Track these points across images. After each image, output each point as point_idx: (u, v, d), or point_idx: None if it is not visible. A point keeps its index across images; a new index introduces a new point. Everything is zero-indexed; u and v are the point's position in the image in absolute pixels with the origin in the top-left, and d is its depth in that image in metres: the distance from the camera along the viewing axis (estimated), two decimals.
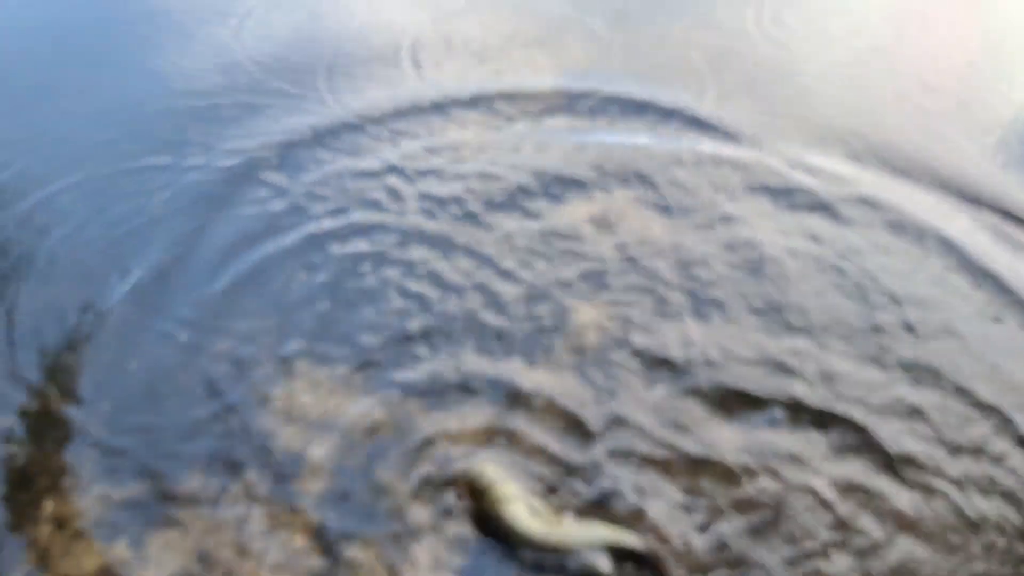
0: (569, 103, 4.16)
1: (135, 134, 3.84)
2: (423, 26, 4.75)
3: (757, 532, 2.39)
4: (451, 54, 4.52)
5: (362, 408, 2.66)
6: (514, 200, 3.52)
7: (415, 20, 4.82)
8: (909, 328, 3.03)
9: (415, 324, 2.94)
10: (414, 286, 3.10)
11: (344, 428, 2.60)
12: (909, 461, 2.58)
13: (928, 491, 2.51)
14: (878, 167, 3.80)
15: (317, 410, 2.65)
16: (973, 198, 3.63)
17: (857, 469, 2.56)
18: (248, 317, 2.96)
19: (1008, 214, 3.55)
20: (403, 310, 2.99)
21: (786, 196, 3.61)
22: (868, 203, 3.58)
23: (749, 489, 2.49)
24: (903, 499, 2.49)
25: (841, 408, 2.72)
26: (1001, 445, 2.65)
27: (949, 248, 3.37)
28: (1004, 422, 2.72)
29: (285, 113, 4.00)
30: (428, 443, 2.57)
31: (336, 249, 3.26)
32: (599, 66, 4.49)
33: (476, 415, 2.65)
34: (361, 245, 3.28)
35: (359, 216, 3.42)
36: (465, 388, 2.74)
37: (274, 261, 3.20)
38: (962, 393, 2.80)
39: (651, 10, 5.07)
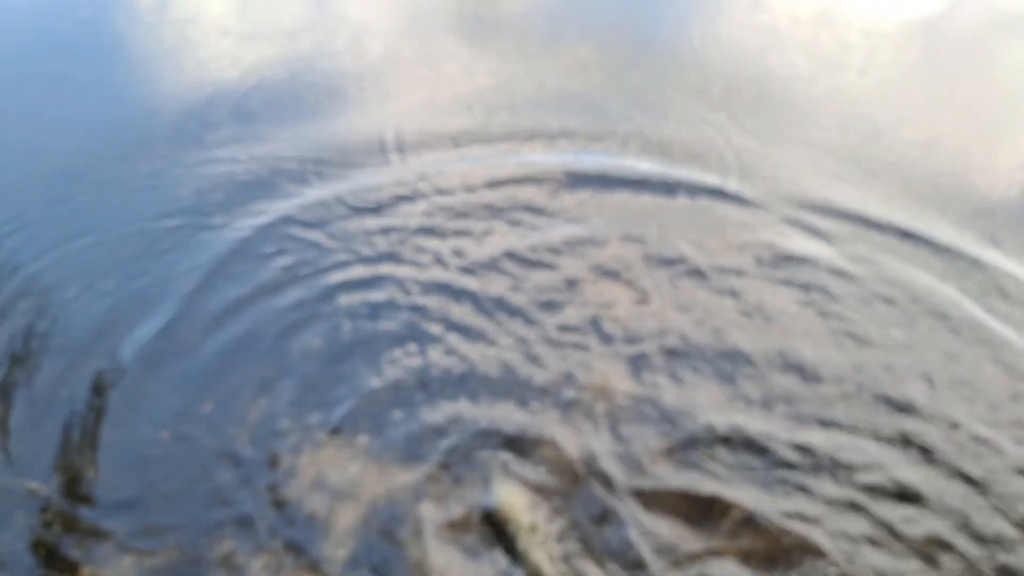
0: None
1: (146, 198, 3.95)
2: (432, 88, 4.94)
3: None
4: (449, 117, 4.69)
5: (384, 472, 2.76)
6: (524, 254, 3.68)
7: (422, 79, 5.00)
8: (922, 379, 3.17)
9: (436, 382, 3.06)
10: (431, 340, 3.23)
11: (366, 494, 2.69)
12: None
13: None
14: (878, 226, 3.97)
15: (340, 476, 2.74)
16: (972, 256, 3.79)
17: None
18: (264, 381, 3.06)
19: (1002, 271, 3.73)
20: (421, 366, 3.11)
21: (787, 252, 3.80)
22: (868, 259, 3.76)
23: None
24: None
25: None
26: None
27: (948, 304, 3.54)
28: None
29: (291, 181, 4.12)
30: (448, 502, 2.67)
31: (347, 305, 3.38)
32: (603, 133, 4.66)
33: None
34: (372, 298, 3.42)
35: (367, 270, 3.56)
36: (483, 443, 2.86)
37: (286, 320, 3.31)
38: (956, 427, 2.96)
39: (649, 73, 5.26)
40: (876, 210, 4.02)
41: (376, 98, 4.90)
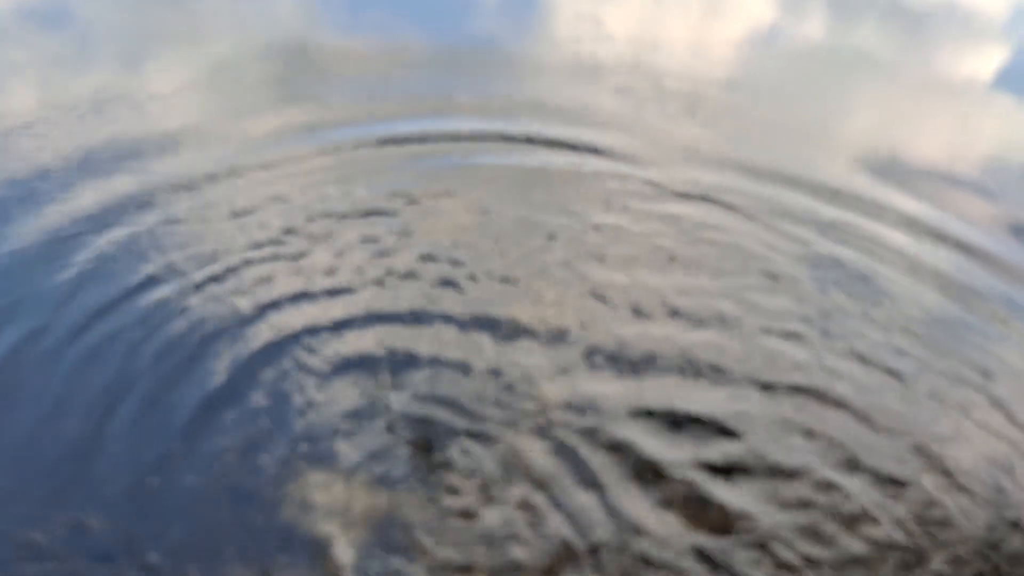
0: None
1: None
2: None
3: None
4: None
5: (367, 492, 2.78)
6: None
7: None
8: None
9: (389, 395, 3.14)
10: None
11: (357, 514, 2.70)
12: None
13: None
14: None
15: (329, 499, 2.74)
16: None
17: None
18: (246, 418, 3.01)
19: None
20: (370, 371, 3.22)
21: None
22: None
23: None
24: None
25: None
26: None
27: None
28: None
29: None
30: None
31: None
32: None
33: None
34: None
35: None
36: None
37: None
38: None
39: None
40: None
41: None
